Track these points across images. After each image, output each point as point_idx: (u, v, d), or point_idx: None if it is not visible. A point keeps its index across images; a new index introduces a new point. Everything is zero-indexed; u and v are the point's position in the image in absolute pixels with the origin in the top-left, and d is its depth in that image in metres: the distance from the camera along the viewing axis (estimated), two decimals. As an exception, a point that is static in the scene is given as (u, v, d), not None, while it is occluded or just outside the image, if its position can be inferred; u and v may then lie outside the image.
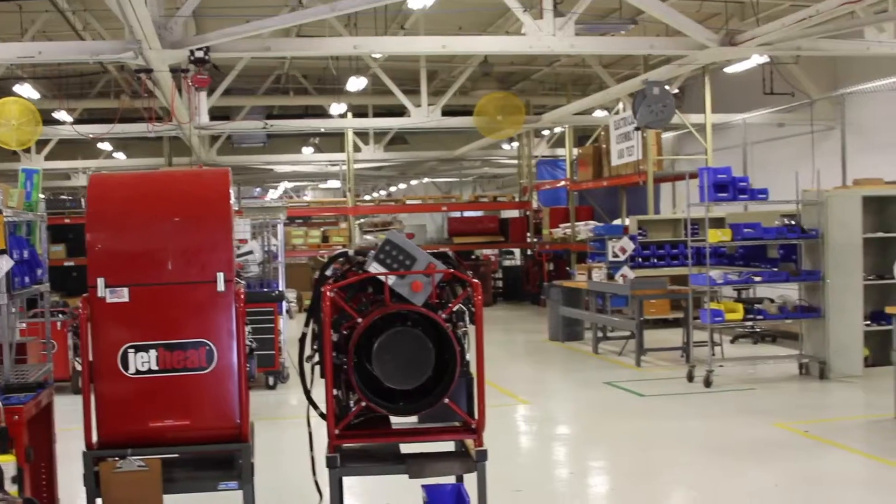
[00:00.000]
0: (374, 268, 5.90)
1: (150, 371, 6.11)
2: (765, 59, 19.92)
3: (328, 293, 5.88)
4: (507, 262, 34.17)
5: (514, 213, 31.97)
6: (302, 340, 6.33)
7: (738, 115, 23.68)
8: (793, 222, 14.59)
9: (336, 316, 5.92)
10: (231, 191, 6.39)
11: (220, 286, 6.15)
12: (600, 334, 18.23)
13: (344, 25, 19.88)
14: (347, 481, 7.69)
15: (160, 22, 13.95)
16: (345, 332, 5.90)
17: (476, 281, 6.03)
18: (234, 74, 23.04)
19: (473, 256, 30.80)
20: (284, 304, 16.05)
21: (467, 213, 34.07)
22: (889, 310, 12.32)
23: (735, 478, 9.40)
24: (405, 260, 5.90)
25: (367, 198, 41.13)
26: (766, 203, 14.82)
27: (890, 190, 15.13)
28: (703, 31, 16.12)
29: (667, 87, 17.89)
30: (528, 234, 29.87)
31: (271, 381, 14.53)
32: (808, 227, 14.47)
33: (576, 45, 16.33)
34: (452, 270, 6.04)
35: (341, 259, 6.32)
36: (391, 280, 5.87)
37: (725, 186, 14.18)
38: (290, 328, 18.02)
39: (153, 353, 6.11)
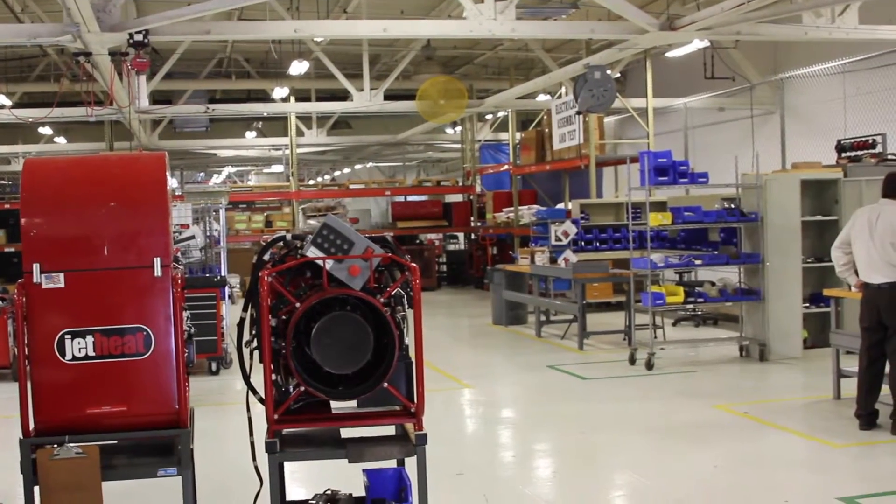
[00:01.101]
0: (312, 252, 5.88)
1: (86, 357, 6.05)
2: (705, 43, 20.04)
3: (266, 278, 5.86)
4: (451, 247, 34.24)
5: (458, 198, 32.02)
6: (240, 325, 6.30)
7: (680, 99, 23.82)
8: (733, 206, 14.72)
9: (274, 301, 5.90)
10: (168, 175, 6.35)
11: (157, 271, 6.10)
12: (543, 318, 18.32)
13: (286, 9, 19.77)
14: (290, 466, 7.69)
15: (99, 5, 13.80)
16: (283, 317, 5.88)
17: (414, 265, 6.03)
18: (176, 58, 22.82)
19: (417, 241, 30.82)
20: (227, 289, 15.98)
21: (411, 198, 34.09)
22: (827, 292, 12.47)
23: (676, 459, 9.48)
24: (343, 244, 5.88)
25: (311, 182, 41.06)
26: (707, 187, 14.95)
27: (827, 173, 15.29)
28: (643, 15, 16.20)
29: (608, 72, 17.93)
30: (472, 219, 29.94)
31: (214, 366, 14.48)
32: (747, 210, 14.60)
33: (517, 30, 16.33)
34: (390, 254, 6.04)
35: (279, 244, 6.30)
36: (329, 264, 5.86)
37: (666, 170, 14.28)
38: (233, 313, 17.93)
39: (90, 338, 6.05)
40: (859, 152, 15.58)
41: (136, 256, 6.11)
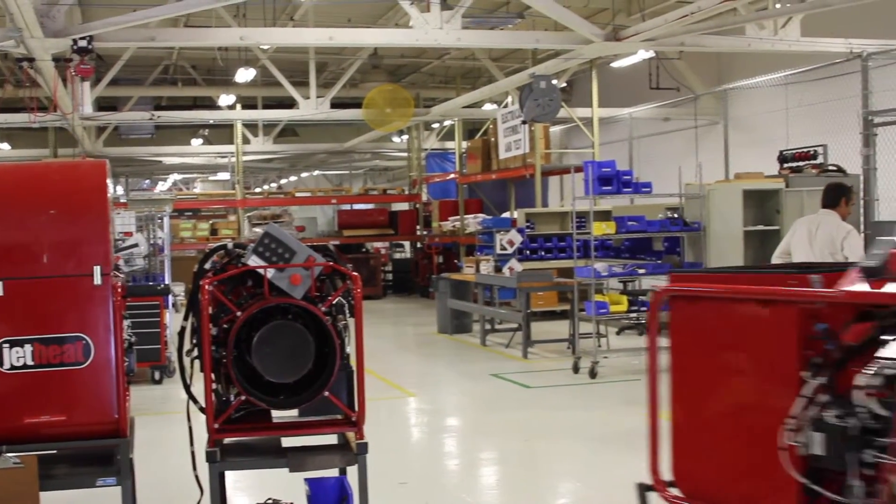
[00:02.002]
0: (254, 261, 5.87)
1: (25, 366, 5.98)
2: (650, 54, 20.20)
3: (207, 287, 5.84)
4: (397, 255, 34.23)
5: (404, 206, 32.02)
6: (181, 334, 6.28)
7: (625, 109, 23.96)
8: (676, 215, 14.82)
9: (215, 310, 5.88)
10: (109, 182, 6.31)
11: (97, 279, 6.05)
12: (488, 326, 18.35)
13: (233, 16, 19.73)
14: (233, 476, 7.66)
15: (42, 10, 13.70)
16: (224, 326, 5.86)
17: (356, 274, 6.04)
18: (121, 64, 22.69)
19: (363, 249, 30.79)
20: (171, 297, 15.89)
21: (357, 206, 34.05)
22: (768, 301, 12.57)
23: (619, 468, 9.51)
24: (284, 253, 5.88)
25: (258, 190, 40.90)
26: (651, 196, 15.05)
27: (770, 184, 15.42)
28: (588, 26, 16.31)
29: (554, 82, 18.04)
30: (418, 227, 29.96)
31: (157, 375, 14.39)
32: (690, 220, 14.70)
33: (462, 39, 16.40)
34: (332, 263, 6.04)
35: (220, 252, 6.28)
36: (270, 273, 5.85)
37: (610, 180, 14.36)
38: (177, 322, 17.83)
39: (28, 347, 5.99)
40: (801, 163, 15.73)
41: (75, 265, 6.05)
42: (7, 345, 5.97)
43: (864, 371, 3.84)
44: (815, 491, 3.97)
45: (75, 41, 14.31)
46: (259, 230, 6.32)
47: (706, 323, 4.73)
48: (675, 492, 4.87)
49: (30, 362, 5.99)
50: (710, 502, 4.65)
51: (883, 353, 3.79)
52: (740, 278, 4.67)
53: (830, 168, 15.35)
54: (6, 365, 5.97)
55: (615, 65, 21.66)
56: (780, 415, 4.11)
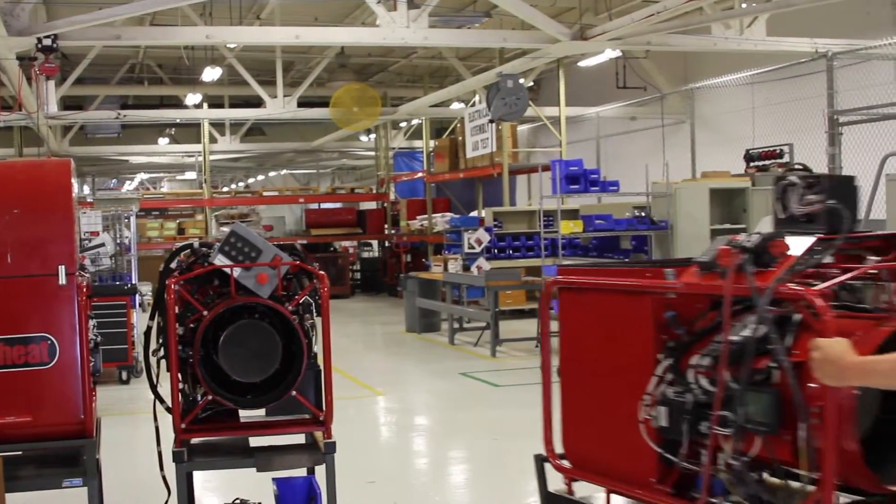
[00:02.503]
0: (220, 260, 5.85)
1: (-10, 366, 5.96)
2: (617, 53, 20.28)
3: (173, 286, 5.82)
4: (365, 254, 34.18)
5: (372, 205, 32.00)
6: (147, 334, 6.26)
7: (592, 108, 24.01)
8: (643, 214, 14.88)
9: (181, 309, 5.86)
10: (73, 182, 6.27)
11: (62, 279, 6.01)
12: (457, 325, 18.36)
13: (199, 15, 19.65)
14: (202, 475, 7.63)
15: (6, 8, 13.64)
16: (191, 326, 5.84)
17: (322, 273, 6.03)
18: (86, 63, 22.57)
19: (332, 248, 30.75)
20: (137, 297, 15.82)
21: (325, 205, 33.99)
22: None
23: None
24: (251, 252, 5.86)
25: (225, 189, 40.76)
26: (618, 195, 15.13)
27: (736, 182, 15.53)
28: (555, 25, 16.35)
29: (521, 81, 18.06)
30: (386, 226, 29.93)
31: (124, 375, 14.32)
32: (658, 218, 14.77)
33: (430, 38, 16.42)
34: (298, 262, 6.03)
35: (186, 251, 6.26)
36: (237, 272, 5.84)
37: (577, 178, 14.42)
38: (144, 321, 17.76)
39: (-7, 347, 5.97)
40: (767, 162, 15.84)
41: (39, 264, 6.02)
42: (-29, 345, 5.93)
43: (697, 353, 4.32)
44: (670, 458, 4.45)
45: (40, 40, 14.24)
46: (226, 229, 6.30)
47: (585, 310, 5.18)
48: (565, 463, 5.31)
49: (-5, 362, 5.96)
50: (592, 471, 5.10)
51: (717, 337, 4.22)
52: (612, 272, 5.05)
53: (796, 167, 15.41)
54: (-29, 365, 5.93)
55: (582, 64, 21.72)
56: (641, 392, 4.58)
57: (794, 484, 4.03)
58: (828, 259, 4.20)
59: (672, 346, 4.49)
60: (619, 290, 4.85)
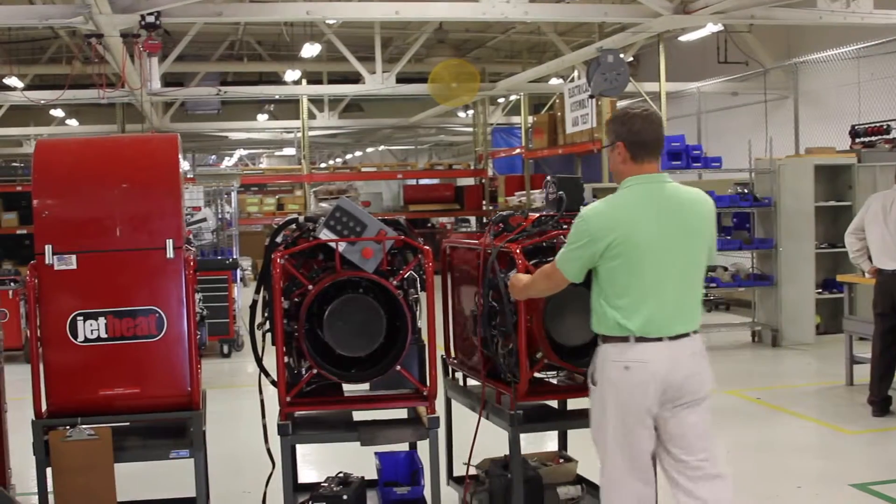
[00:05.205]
0: (325, 234, 5.87)
1: (99, 339, 6.03)
2: (719, 27, 19.94)
3: (278, 260, 5.84)
4: (462, 230, 34.15)
5: (470, 181, 31.92)
6: (253, 308, 6.30)
7: (693, 83, 23.69)
8: (746, 191, 14.66)
9: (287, 283, 5.89)
10: (180, 157, 6.33)
11: (170, 253, 6.07)
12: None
13: (298, -9, 19.71)
14: (302, 449, 7.68)
15: (110, -14, 13.78)
16: (296, 300, 5.87)
17: (427, 248, 6.02)
18: (187, 40, 22.77)
19: (429, 224, 30.77)
20: (238, 271, 15.98)
21: (423, 181, 34.00)
22: (840, 278, 12.41)
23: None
24: (356, 226, 5.87)
25: (323, 165, 40.98)
26: (720, 171, 14.90)
27: (841, 158, 15.22)
28: (657, -1, 16.13)
29: (621, 56, 17.85)
30: (484, 202, 29.85)
31: (226, 349, 14.50)
32: (760, 195, 14.54)
33: (530, 13, 16.30)
34: (403, 237, 6.02)
35: (292, 226, 6.28)
36: (342, 247, 5.84)
37: (679, 154, 14.22)
38: (244, 296, 17.94)
39: (102, 320, 6.03)
40: (873, 138, 15.49)
41: (148, 238, 6.08)
42: (81, 318, 6.02)
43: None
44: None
45: (143, 17, 14.37)
46: (325, 205, 6.32)
47: (458, 261, 7.12)
48: (455, 363, 7.21)
49: (104, 335, 6.04)
50: (463, 369, 7.04)
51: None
52: (472, 235, 6.82)
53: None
54: (80, 338, 6.02)
55: (683, 38, 21.39)
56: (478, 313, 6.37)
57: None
58: (550, 229, 6.18)
59: (486, 282, 6.14)
60: (470, 248, 6.79)
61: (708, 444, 5.30)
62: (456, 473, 7.26)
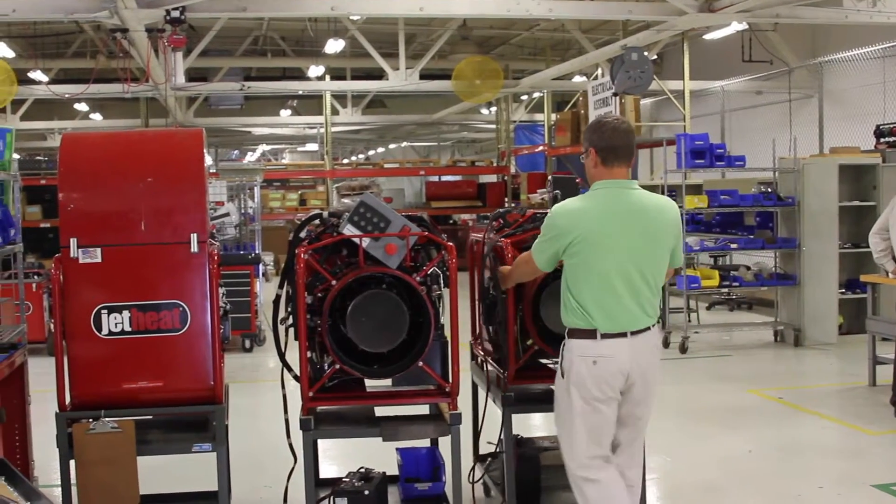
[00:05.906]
0: (349, 230, 5.88)
1: (123, 332, 6.05)
2: (744, 26, 19.87)
3: (302, 255, 5.85)
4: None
5: (492, 178, 31.90)
6: (276, 302, 6.31)
7: (717, 82, 23.63)
8: (769, 190, 14.61)
9: (310, 278, 5.90)
10: (204, 151, 6.34)
11: (194, 247, 6.08)
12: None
13: (323, -13, 19.70)
14: (323, 444, 7.69)
15: (136, -19, 13.81)
16: (319, 295, 5.88)
17: (451, 244, 6.03)
18: (212, 35, 22.80)
19: (451, 221, 30.77)
20: (261, 266, 16.01)
21: (445, 178, 34.00)
22: (864, 278, 12.35)
23: (709, 443, 9.45)
24: (379, 222, 5.88)
25: (345, 161, 40.99)
26: (744, 170, 14.85)
27: (865, 158, 15.15)
28: (682, -4, 16.08)
29: (645, 54, 17.81)
30: (506, 199, 29.82)
31: (248, 343, 14.52)
32: (784, 194, 14.50)
33: (554, 10, 16.27)
34: (427, 233, 6.02)
35: (315, 221, 6.29)
36: (365, 242, 5.85)
37: (702, 153, 14.18)
38: (267, 291, 17.96)
39: (126, 314, 6.05)
40: (899, 137, 15.42)
41: (172, 232, 6.10)
42: (105, 311, 6.04)
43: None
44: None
45: (168, 12, 14.40)
46: (347, 201, 6.35)
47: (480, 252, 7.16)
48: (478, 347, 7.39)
49: (127, 328, 6.06)
50: (480, 353, 7.26)
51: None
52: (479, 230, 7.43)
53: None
54: (104, 331, 6.04)
55: (707, 37, 21.32)
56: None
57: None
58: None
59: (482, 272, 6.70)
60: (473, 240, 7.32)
61: (643, 433, 5.91)
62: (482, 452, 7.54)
